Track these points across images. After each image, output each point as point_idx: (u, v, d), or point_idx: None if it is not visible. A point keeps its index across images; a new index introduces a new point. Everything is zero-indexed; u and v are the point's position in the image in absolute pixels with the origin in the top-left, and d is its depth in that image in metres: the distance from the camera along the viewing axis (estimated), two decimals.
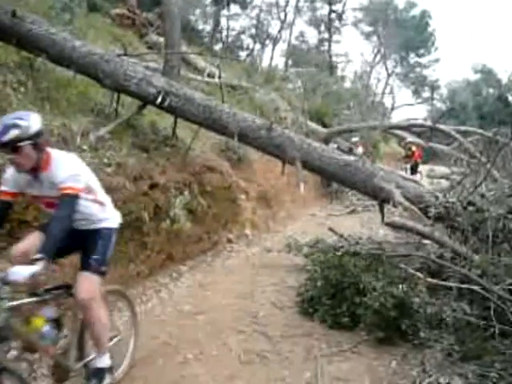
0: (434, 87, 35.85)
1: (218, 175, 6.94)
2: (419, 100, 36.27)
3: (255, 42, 31.11)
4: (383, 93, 35.47)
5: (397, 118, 30.56)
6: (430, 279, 3.40)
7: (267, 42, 31.51)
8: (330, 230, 5.61)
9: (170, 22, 8.21)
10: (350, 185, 5.38)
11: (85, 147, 4.82)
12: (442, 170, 14.54)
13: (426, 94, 37.08)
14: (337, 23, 29.76)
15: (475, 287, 3.19)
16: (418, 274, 3.48)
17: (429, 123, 10.55)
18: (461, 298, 3.68)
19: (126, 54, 5.72)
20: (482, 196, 4.47)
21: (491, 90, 32.87)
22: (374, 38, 33.62)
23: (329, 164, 5.14)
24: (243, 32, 30.97)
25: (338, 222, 9.37)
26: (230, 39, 29.15)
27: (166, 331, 3.93)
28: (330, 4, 28.01)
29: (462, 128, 10.71)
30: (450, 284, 3.49)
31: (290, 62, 30.07)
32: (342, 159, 5.17)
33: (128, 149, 5.31)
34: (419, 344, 3.46)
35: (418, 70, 35.99)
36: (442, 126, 9.72)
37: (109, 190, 4.58)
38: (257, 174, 8.67)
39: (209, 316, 4.31)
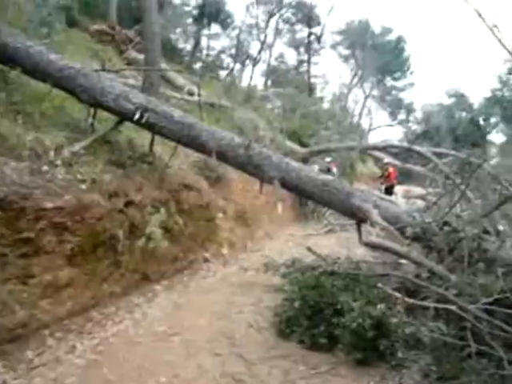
0: (409, 110, 36.81)
1: (195, 193, 6.87)
2: (395, 122, 37.11)
3: (235, 62, 31.45)
4: (360, 114, 36.21)
5: (374, 139, 31.15)
6: (407, 299, 3.38)
7: (247, 62, 31.90)
8: (308, 249, 5.58)
9: (150, 40, 8.22)
10: (328, 204, 5.39)
11: (58, 162, 4.71)
12: (417, 190, 14.84)
13: (402, 116, 37.99)
14: (316, 45, 30.42)
15: (452, 307, 3.19)
16: (396, 293, 3.47)
17: (405, 145, 10.80)
18: (438, 317, 3.68)
19: (104, 70, 5.65)
20: (458, 216, 4.54)
21: (464, 114, 33.98)
22: (352, 61, 34.44)
23: (307, 183, 5.14)
24: (223, 52, 31.31)
25: (315, 241, 9.36)
26: (210, 58, 29.38)
27: (139, 354, 3.79)
28: (310, 27, 28.66)
29: (437, 150, 10.93)
30: (427, 304, 3.48)
31: (269, 82, 30.49)
32: (320, 179, 5.18)
33: (103, 165, 5.19)
34: (397, 365, 3.44)
35: (394, 92, 36.94)
36: (417, 148, 9.93)
37: (83, 206, 4.53)
38: (235, 192, 8.63)
39: (184, 337, 4.19)
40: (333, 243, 8.90)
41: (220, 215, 7.77)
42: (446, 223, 4.39)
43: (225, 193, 8.29)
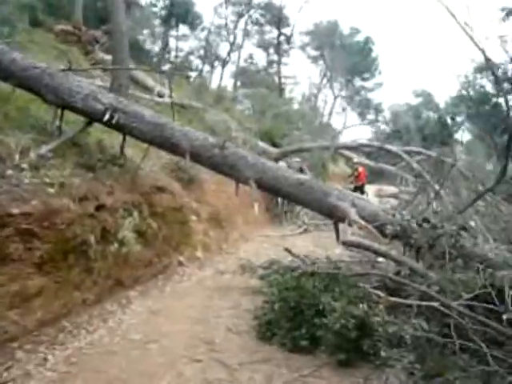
0: (377, 110, 37.48)
1: (168, 196, 6.71)
2: (365, 122, 37.71)
3: (204, 63, 31.23)
4: (330, 114, 36.60)
5: (344, 139, 31.47)
6: (389, 297, 3.36)
7: (216, 63, 31.75)
8: (286, 250, 5.52)
9: (118, 40, 8.00)
10: (305, 204, 5.34)
11: (24, 166, 4.48)
12: (390, 189, 15.08)
13: (371, 116, 38.64)
14: (285, 46, 30.58)
15: (434, 304, 3.19)
16: (378, 292, 3.44)
17: (376, 143, 10.92)
18: (420, 315, 3.67)
19: (71, 69, 5.43)
20: (435, 213, 4.58)
21: (431, 113, 34.85)
22: (321, 62, 34.79)
23: (283, 183, 5.08)
24: (192, 53, 31.05)
25: (291, 242, 9.34)
26: (178, 60, 29.05)
27: (115, 364, 3.62)
28: (279, 28, 28.77)
29: (408, 148, 11.12)
30: (409, 302, 3.47)
31: (238, 84, 30.41)
32: (297, 178, 5.14)
33: (72, 168, 4.98)
34: (381, 364, 3.40)
35: (362, 93, 37.54)
36: (390, 147, 10.07)
37: (51, 212, 4.32)
38: (208, 194, 8.49)
39: (162, 345, 4.04)
40: (309, 243, 8.90)
41: (194, 218, 7.62)
42: (424, 220, 4.42)
43: (198, 195, 8.15)
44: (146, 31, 26.55)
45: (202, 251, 7.48)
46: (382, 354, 3.44)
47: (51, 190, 4.43)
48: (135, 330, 4.35)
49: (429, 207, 4.75)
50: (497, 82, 15.63)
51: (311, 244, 8.84)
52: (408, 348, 3.40)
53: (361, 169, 14.64)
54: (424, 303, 3.44)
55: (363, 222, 4.95)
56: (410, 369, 3.22)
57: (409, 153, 10.38)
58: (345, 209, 5.03)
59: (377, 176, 18.98)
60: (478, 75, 15.83)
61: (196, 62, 30.93)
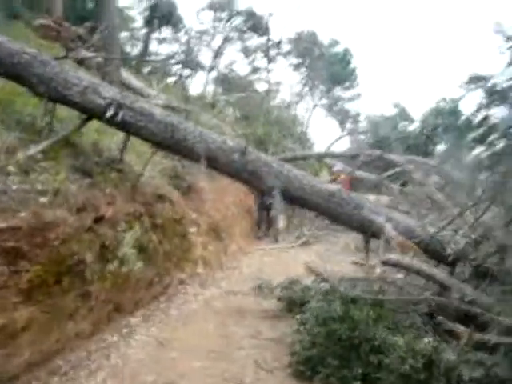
0: (356, 120, 37.50)
1: (169, 206, 5.98)
2: (344, 132, 37.63)
3: (184, 68, 30.42)
4: (308, 122, 36.29)
5: (321, 147, 31.17)
6: (473, 332, 2.77)
7: (197, 68, 31.01)
8: (308, 268, 4.86)
9: (109, 34, 7.25)
10: (334, 217, 4.71)
11: (11, 169, 3.69)
12: (383, 199, 14.62)
13: (349, 125, 38.54)
14: (273, 52, 30.17)
15: None
16: (460, 326, 2.85)
17: (378, 152, 10.43)
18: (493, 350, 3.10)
19: (66, 57, 4.68)
20: (487, 228, 4.03)
21: (406, 124, 35.09)
22: (302, 70, 34.53)
23: (311, 194, 4.46)
24: (172, 57, 30.21)
25: (293, 255, 8.75)
26: (158, 64, 28.16)
27: None
28: (262, 35, 28.35)
29: (411, 158, 10.71)
30: (492, 338, 2.88)
31: (220, 89, 29.72)
32: (326, 188, 4.53)
33: (67, 172, 4.21)
34: None
35: (341, 103, 37.50)
36: (391, 155, 9.59)
37: (44, 225, 3.55)
38: (207, 204, 7.77)
39: None
40: (314, 257, 8.28)
41: (193, 230, 6.89)
42: (484, 237, 3.86)
43: (196, 204, 7.41)
44: (125, 34, 25.64)
45: (203, 267, 6.76)
46: None
47: (44, 199, 3.66)
48: (146, 370, 3.60)
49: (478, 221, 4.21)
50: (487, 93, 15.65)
51: (316, 258, 8.22)
52: None
53: (342, 176, 14.00)
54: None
55: (401, 239, 4.39)
56: None
57: (410, 162, 9.95)
58: (380, 223, 4.46)
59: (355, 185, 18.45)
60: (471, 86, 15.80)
61: (176, 66, 30.08)
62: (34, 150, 3.97)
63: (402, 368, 2.94)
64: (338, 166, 16.10)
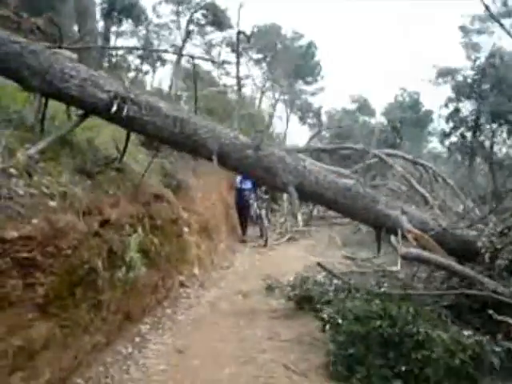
0: (318, 114, 37.78)
1: (166, 206, 5.70)
2: (305, 125, 37.93)
3: (143, 63, 29.58)
4: (272, 117, 36.27)
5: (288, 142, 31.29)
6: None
7: (157, 63, 30.25)
8: (319, 265, 4.72)
9: (87, 23, 6.81)
10: (350, 212, 4.59)
11: (12, 171, 3.33)
12: None
13: (311, 120, 38.84)
14: (242, 46, 29.80)
15: None
16: (510, 319, 2.82)
17: (359, 146, 10.48)
18: None
19: (60, 46, 4.29)
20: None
21: (367, 118, 35.81)
22: (264, 65, 34.42)
23: (327, 189, 4.33)
24: (131, 52, 29.27)
25: (282, 251, 8.64)
26: (117, 58, 27.22)
27: None
28: (225, 28, 27.97)
29: (393, 152, 10.85)
30: None
31: (181, 85, 29.09)
32: (342, 182, 4.43)
33: (69, 174, 3.87)
34: None
35: (304, 97, 37.71)
36: (374, 150, 9.64)
37: (56, 232, 3.23)
38: (196, 202, 7.50)
39: None
40: (303, 252, 8.21)
41: (186, 230, 6.63)
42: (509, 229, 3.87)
43: (187, 203, 7.13)
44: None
45: (198, 267, 6.52)
46: None
47: (52, 203, 3.33)
48: (172, 382, 3.37)
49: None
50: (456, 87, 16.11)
51: (306, 253, 8.16)
52: None
53: None
54: None
55: (418, 232, 4.36)
56: None
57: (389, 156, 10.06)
58: (396, 217, 4.41)
59: None
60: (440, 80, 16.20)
61: (136, 61, 29.18)
62: (33, 149, 3.61)
63: (451, 362, 2.88)
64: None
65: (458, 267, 4.09)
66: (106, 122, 4.42)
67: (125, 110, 3.93)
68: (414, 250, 4.18)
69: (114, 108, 3.88)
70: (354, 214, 4.63)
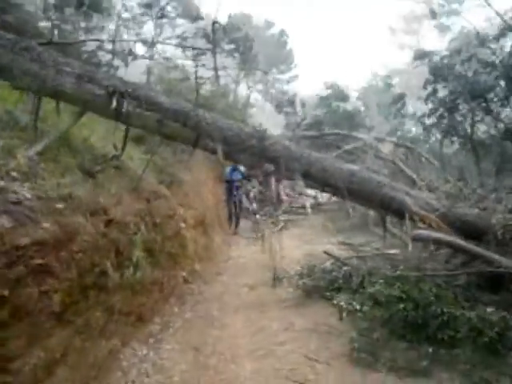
0: (292, 102, 37.79)
1: (164, 202, 5.56)
2: (281, 114, 37.87)
3: (114, 58, 28.87)
4: (246, 107, 36.08)
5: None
6: None
7: (128, 58, 29.56)
8: (326, 253, 4.71)
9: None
10: (357, 197, 4.56)
11: (14, 174, 3.16)
12: None
13: (286, 108, 38.80)
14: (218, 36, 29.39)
15: None
16: None
17: (344, 132, 10.52)
18: None
19: (51, 43, 4.09)
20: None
21: (341, 104, 36.06)
22: (236, 55, 34.12)
23: (333, 175, 4.30)
24: (100, 48, 28.52)
25: (278, 242, 8.57)
26: (86, 54, 26.46)
27: None
28: (196, 20, 27.52)
29: (380, 136, 10.93)
30: None
31: (153, 79, 28.53)
32: (347, 168, 4.40)
33: (71, 174, 3.71)
34: None
35: (278, 85, 37.59)
36: (360, 135, 9.71)
37: (68, 236, 3.09)
38: (190, 196, 7.36)
39: None
40: (297, 241, 8.19)
41: (183, 225, 6.50)
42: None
43: (181, 198, 6.99)
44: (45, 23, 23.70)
45: (198, 262, 6.42)
46: None
47: (60, 206, 3.18)
48: (195, 382, 3.29)
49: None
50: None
51: (300, 241, 8.15)
52: None
53: None
54: None
55: (425, 213, 4.38)
56: None
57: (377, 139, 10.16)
58: (402, 200, 4.41)
59: None
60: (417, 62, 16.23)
61: (106, 57, 28.45)
62: (33, 151, 3.44)
63: (480, 341, 2.90)
64: None
65: (471, 246, 4.12)
66: (102, 118, 4.25)
67: (124, 106, 3.77)
68: (425, 232, 4.20)
69: (114, 104, 3.72)
70: (360, 198, 4.61)
